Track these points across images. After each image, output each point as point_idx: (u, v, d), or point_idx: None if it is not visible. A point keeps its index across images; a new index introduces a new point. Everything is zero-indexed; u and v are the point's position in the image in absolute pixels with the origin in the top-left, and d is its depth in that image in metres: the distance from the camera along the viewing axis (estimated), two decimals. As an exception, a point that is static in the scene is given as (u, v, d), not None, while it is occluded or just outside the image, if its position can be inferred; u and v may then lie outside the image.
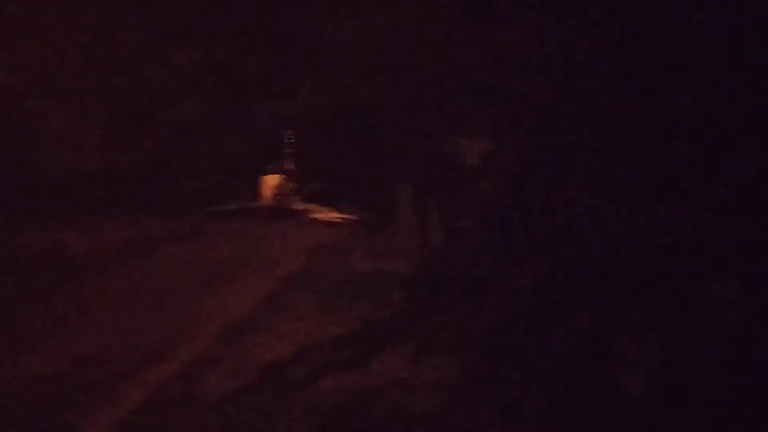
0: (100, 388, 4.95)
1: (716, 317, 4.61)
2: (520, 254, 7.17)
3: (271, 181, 22.83)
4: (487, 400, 4.57)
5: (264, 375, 5.17)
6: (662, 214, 5.43)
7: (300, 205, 22.53)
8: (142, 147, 12.06)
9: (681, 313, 4.79)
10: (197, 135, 12.62)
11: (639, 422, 4.08)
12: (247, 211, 18.64)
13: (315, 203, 22.98)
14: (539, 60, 6.34)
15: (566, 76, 5.83)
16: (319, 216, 20.24)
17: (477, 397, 4.68)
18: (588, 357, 4.87)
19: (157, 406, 4.73)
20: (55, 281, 8.58)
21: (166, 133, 11.90)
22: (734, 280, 4.70)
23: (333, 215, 20.70)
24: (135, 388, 5.01)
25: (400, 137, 8.49)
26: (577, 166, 5.95)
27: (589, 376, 4.75)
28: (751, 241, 4.79)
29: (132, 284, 8.65)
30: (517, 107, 6.46)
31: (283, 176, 23.18)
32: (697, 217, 5.20)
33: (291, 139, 17.79)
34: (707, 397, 4.15)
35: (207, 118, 11.56)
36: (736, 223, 4.96)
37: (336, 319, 6.69)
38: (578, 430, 4.08)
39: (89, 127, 10.76)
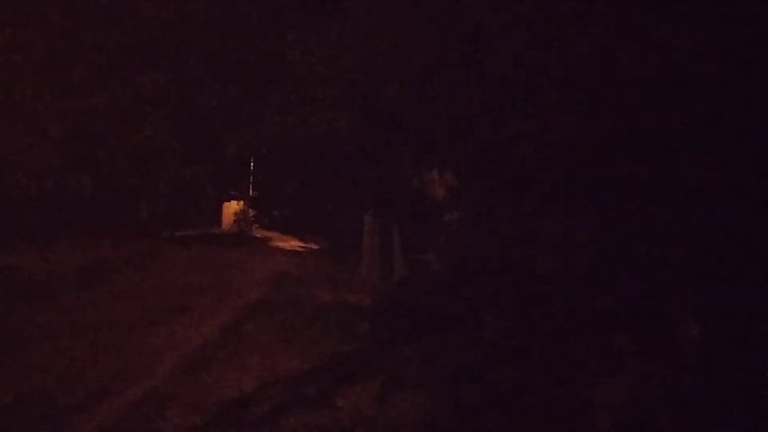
0: (49, 425, 4.65)
1: (679, 359, 4.67)
2: (485, 289, 7.18)
3: (232, 208, 22.47)
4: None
5: (225, 411, 4.96)
6: (629, 255, 5.52)
7: (261, 233, 22.21)
8: (101, 170, 11.55)
9: (645, 355, 4.83)
10: (158, 159, 12.22)
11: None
12: (208, 237, 18.25)
13: (276, 231, 22.69)
14: (509, 94, 6.44)
15: (536, 109, 5.92)
16: (281, 244, 19.97)
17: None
18: (555, 395, 4.84)
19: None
20: (6, 307, 8.14)
21: (127, 157, 11.47)
22: (697, 323, 4.79)
23: (294, 243, 20.45)
24: (87, 424, 4.74)
25: (366, 168, 8.45)
26: (544, 200, 6.01)
27: (556, 415, 4.72)
28: (713, 284, 4.91)
29: (88, 311, 8.26)
30: (484, 141, 6.52)
31: (244, 203, 22.85)
32: (661, 262, 5.30)
33: (253, 166, 17.58)
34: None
35: (169, 142, 11.20)
36: (700, 268, 5.08)
37: (299, 351, 6.52)
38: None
39: (46, 147, 10.26)
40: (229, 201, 22.30)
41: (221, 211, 22.24)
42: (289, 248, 18.72)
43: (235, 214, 22.33)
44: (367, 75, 6.76)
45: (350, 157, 8.35)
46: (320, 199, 14.74)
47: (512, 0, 5.90)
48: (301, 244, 19.79)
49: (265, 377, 5.71)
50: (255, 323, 7.76)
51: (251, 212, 22.86)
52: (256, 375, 5.77)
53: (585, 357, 5.43)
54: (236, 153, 10.17)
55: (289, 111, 7.89)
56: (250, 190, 22.74)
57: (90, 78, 10.32)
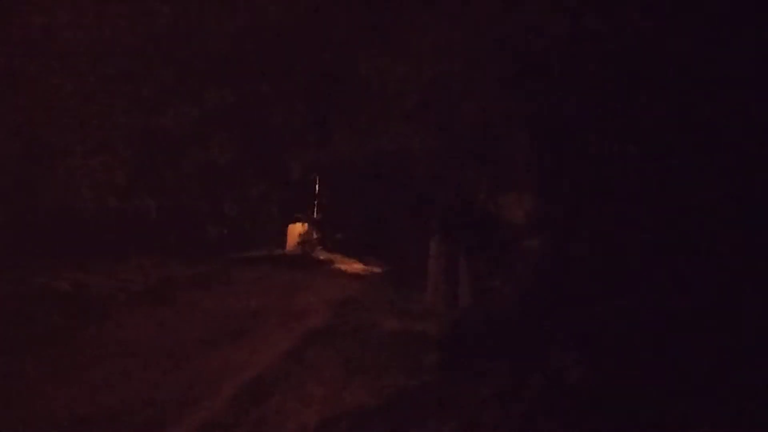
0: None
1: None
2: (563, 321, 6.53)
3: (296, 230, 22.48)
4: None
5: (286, 449, 4.55)
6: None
7: (324, 255, 22.08)
8: (167, 188, 11.49)
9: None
10: (225, 179, 12.05)
11: None
12: (273, 258, 18.20)
13: (339, 253, 22.52)
14: (590, 114, 5.87)
15: (620, 130, 5.34)
16: (343, 267, 19.71)
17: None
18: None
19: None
20: (74, 325, 8.10)
21: (193, 176, 11.32)
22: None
23: (357, 267, 20.16)
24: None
25: (437, 191, 7.94)
26: (630, 225, 5.37)
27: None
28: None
29: (151, 332, 8.13)
30: (566, 162, 5.95)
31: (308, 225, 22.84)
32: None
33: (318, 188, 17.36)
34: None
35: (236, 162, 10.98)
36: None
37: (364, 384, 6.04)
38: None
39: (112, 164, 10.25)
40: (294, 223, 22.34)
41: (286, 233, 22.28)
42: (351, 271, 18.43)
43: (300, 236, 22.33)
44: (444, 90, 6.34)
45: (420, 178, 7.87)
46: (385, 222, 14.35)
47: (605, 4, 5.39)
48: (364, 268, 19.49)
49: (328, 412, 5.27)
50: (317, 351, 7.35)
51: (315, 234, 22.84)
52: (318, 408, 5.33)
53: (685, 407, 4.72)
54: (302, 173, 9.81)
55: (358, 129, 7.51)
56: (315, 213, 22.74)
57: (158, 96, 10.27)
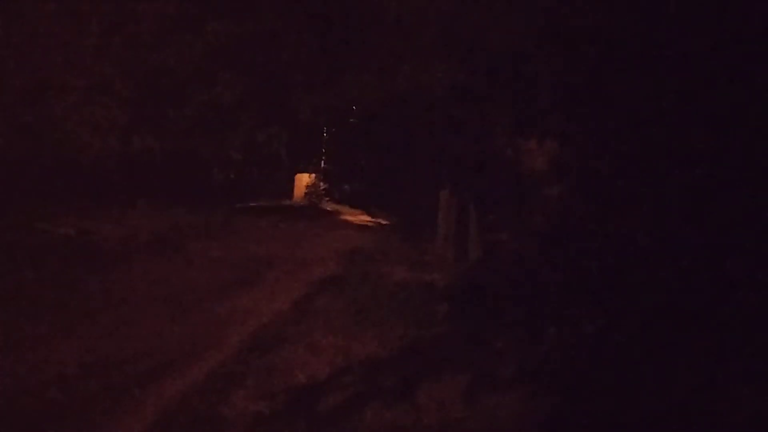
0: (109, 399, 4.23)
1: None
2: (580, 274, 6.30)
3: (304, 180, 22.20)
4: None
5: (296, 399, 4.39)
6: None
7: (331, 206, 21.87)
8: (170, 130, 10.83)
9: None
10: (230, 121, 11.32)
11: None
12: (280, 208, 18.00)
13: (346, 205, 22.30)
14: (626, 48, 5.43)
15: (660, 68, 4.92)
16: (350, 218, 19.51)
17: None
18: (685, 401, 3.98)
19: (173, 426, 4.00)
20: (79, 272, 7.94)
21: (198, 117, 10.61)
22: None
23: (364, 218, 19.95)
24: (149, 402, 4.28)
25: (451, 136, 7.47)
26: (663, 177, 5.04)
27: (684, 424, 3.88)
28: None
29: (159, 279, 7.97)
30: (590, 108, 5.57)
31: (316, 176, 22.55)
32: None
33: (326, 134, 16.81)
34: None
35: (241, 102, 10.26)
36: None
37: (375, 334, 5.86)
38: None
39: (111, 104, 9.65)
40: (302, 173, 22.05)
41: (293, 183, 22.01)
42: (358, 223, 18.24)
43: (307, 186, 22.09)
44: (465, 21, 5.84)
45: (436, 122, 7.40)
46: (393, 173, 14.01)
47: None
48: (371, 219, 19.29)
49: (338, 362, 5.10)
50: (327, 300, 7.18)
51: (322, 185, 22.58)
52: (328, 359, 5.17)
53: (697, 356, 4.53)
54: (311, 116, 9.24)
55: (371, 67, 6.96)
56: (322, 163, 22.40)
57: (159, 31, 9.59)
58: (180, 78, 10.00)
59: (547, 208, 5.64)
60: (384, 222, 18.58)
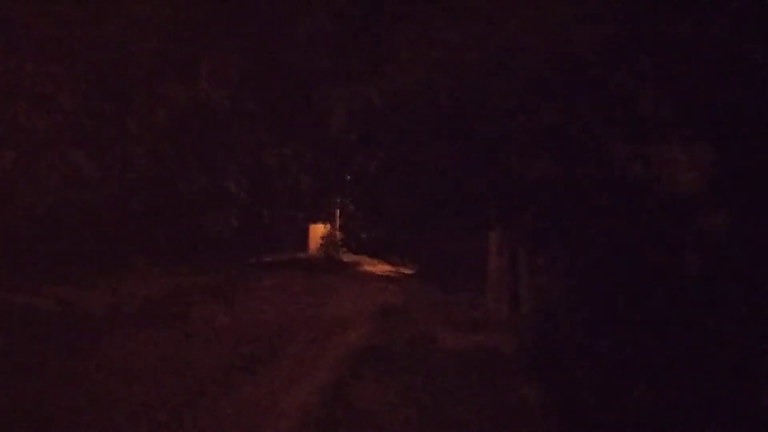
0: None
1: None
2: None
3: (319, 231, 20.40)
4: None
5: None
6: None
7: (349, 257, 20.00)
8: (133, 156, 7.60)
9: None
10: (222, 135, 7.64)
11: None
12: (295, 262, 16.12)
13: (364, 255, 20.44)
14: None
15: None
16: (371, 269, 17.61)
17: None
18: None
19: None
20: (57, 355, 6.07)
21: (171, 128, 6.94)
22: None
23: (384, 268, 18.03)
24: None
25: (526, 147, 5.29)
26: None
27: None
28: None
29: (152, 361, 6.05)
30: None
31: (331, 225, 20.83)
32: None
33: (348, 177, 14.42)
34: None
35: (238, 105, 6.73)
36: None
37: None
38: None
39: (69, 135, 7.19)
40: (315, 224, 20.32)
41: (308, 234, 20.24)
42: (380, 273, 16.34)
43: (322, 237, 20.30)
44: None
45: (502, 126, 5.21)
46: (420, 213, 12.13)
47: None
48: (393, 269, 17.44)
49: None
50: (369, 386, 5.21)
51: (338, 235, 20.82)
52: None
53: None
54: (346, 123, 6.04)
55: (429, 39, 4.72)
56: (338, 212, 20.69)
57: None
58: (141, 71, 6.78)
59: (705, 245, 3.72)
60: (407, 272, 16.73)
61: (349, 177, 12.30)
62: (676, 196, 3.72)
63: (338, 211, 20.44)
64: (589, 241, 5.22)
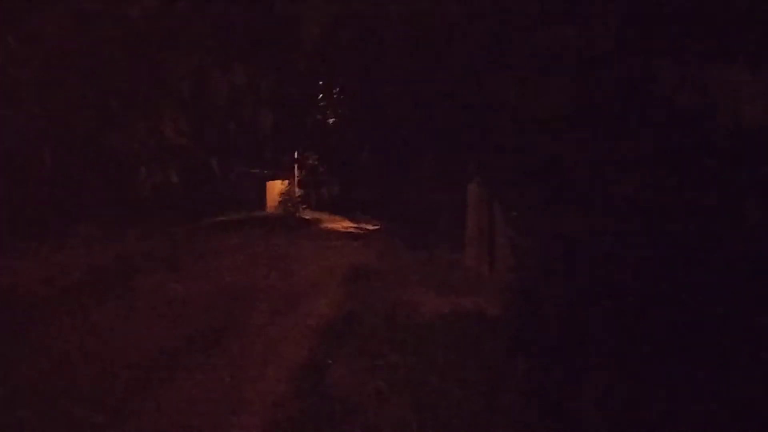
0: None
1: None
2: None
3: (276, 188, 19.38)
4: None
5: None
6: None
7: (310, 214, 19.14)
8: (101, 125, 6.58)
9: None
10: (160, 72, 6.51)
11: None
12: (252, 221, 15.12)
13: (326, 212, 19.63)
14: None
15: None
16: (333, 226, 16.81)
17: None
18: None
19: None
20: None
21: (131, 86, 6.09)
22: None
23: (347, 224, 17.28)
24: None
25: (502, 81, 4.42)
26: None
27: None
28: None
29: (89, 344, 5.13)
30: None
31: (289, 182, 19.89)
32: None
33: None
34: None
35: (183, 31, 5.67)
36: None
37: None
38: None
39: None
40: (273, 180, 19.29)
41: (265, 191, 19.20)
42: (344, 230, 15.56)
43: (280, 194, 19.33)
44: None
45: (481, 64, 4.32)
46: (390, 165, 11.28)
47: None
48: (355, 225, 16.69)
49: None
50: (345, 366, 4.44)
51: (297, 191, 19.89)
52: None
53: None
54: (319, 37, 5.04)
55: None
56: (295, 168, 19.68)
57: None
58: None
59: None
60: (371, 227, 16.01)
61: (319, 116, 11.03)
62: (737, 131, 2.98)
63: (296, 165, 19.42)
64: (594, 194, 4.52)
